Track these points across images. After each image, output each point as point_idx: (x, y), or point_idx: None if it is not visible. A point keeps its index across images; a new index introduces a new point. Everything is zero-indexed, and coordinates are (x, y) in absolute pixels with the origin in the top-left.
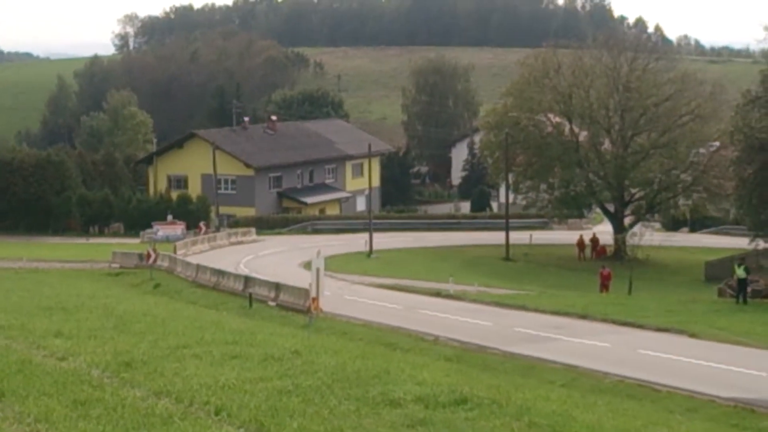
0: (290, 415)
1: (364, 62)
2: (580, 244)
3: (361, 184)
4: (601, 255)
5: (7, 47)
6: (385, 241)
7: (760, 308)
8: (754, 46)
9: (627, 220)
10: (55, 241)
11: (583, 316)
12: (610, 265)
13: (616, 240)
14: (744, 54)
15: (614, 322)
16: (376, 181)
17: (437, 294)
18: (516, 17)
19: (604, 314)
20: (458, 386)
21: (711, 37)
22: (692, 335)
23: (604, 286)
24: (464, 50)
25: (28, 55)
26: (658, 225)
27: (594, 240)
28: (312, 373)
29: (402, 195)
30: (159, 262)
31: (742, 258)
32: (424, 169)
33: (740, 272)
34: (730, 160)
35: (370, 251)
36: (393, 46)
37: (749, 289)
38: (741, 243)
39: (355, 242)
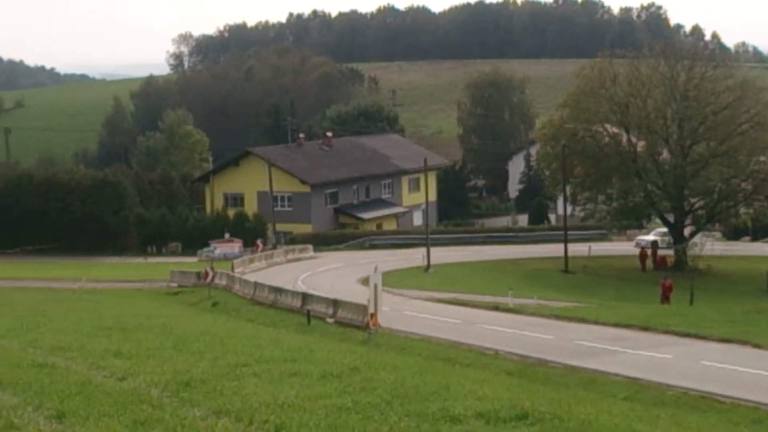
0: None
1: (419, 76)
2: (643, 255)
3: (417, 198)
4: (661, 266)
5: (64, 69)
6: (442, 255)
7: None
8: None
9: (687, 230)
10: (113, 261)
11: (645, 328)
12: (670, 276)
13: (676, 250)
14: None
15: (676, 333)
16: (432, 196)
17: (496, 308)
18: (572, 28)
19: (665, 326)
20: (519, 401)
21: None
22: (756, 345)
23: (666, 298)
24: (520, 62)
25: (84, 76)
26: (718, 234)
27: (654, 251)
28: (371, 389)
29: (459, 209)
30: (217, 281)
31: None
32: (480, 182)
33: None
34: None
35: (428, 266)
36: (448, 60)
37: None
38: None
39: (413, 257)
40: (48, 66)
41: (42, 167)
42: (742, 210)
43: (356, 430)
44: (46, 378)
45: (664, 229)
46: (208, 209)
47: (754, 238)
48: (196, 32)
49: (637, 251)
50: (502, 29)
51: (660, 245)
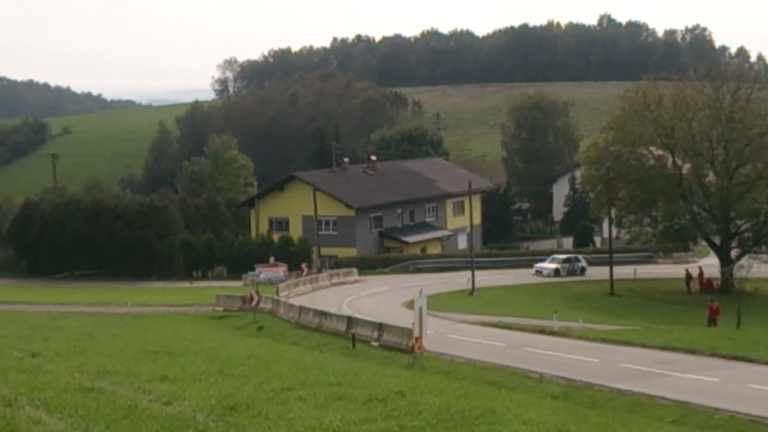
0: None
1: (463, 100)
2: (688, 277)
3: (462, 222)
4: (708, 288)
5: (111, 95)
6: (487, 278)
7: None
8: None
9: (733, 253)
10: (159, 285)
11: (691, 351)
12: (717, 299)
13: (723, 273)
14: None
15: (723, 356)
16: (477, 219)
17: (541, 331)
18: (616, 51)
19: (712, 349)
20: (565, 424)
21: None
22: None
23: (713, 320)
24: (564, 85)
25: (130, 102)
26: (766, 257)
27: (700, 273)
28: (416, 413)
29: (503, 232)
30: (262, 305)
31: None
32: (525, 205)
33: None
34: None
35: (473, 289)
36: (491, 83)
37: None
38: None
39: (457, 280)
40: (95, 92)
41: (89, 193)
42: None
43: None
44: (93, 402)
45: (563, 256)
46: (253, 233)
47: None
48: (241, 58)
49: (683, 274)
50: (546, 52)
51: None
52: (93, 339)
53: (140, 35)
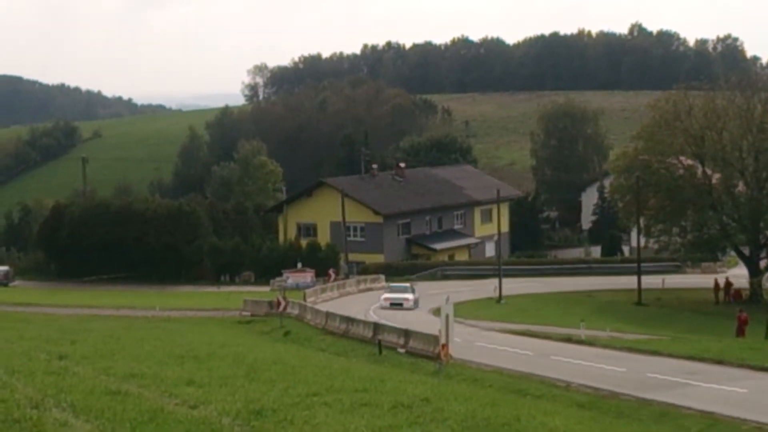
0: None
1: (492, 108)
2: (717, 287)
3: (489, 229)
4: (736, 299)
5: (141, 100)
6: (514, 286)
7: None
8: None
9: (763, 263)
10: (187, 289)
11: (719, 362)
12: (746, 309)
13: (751, 283)
14: None
15: (751, 367)
16: (505, 227)
17: (568, 339)
18: (647, 60)
19: (740, 359)
20: None
21: None
22: None
23: (741, 331)
24: (594, 94)
25: (160, 107)
26: None
27: (727, 283)
28: (442, 420)
29: (531, 240)
30: (289, 310)
31: None
32: (553, 213)
33: None
34: None
35: (500, 297)
36: (521, 91)
37: None
38: None
39: (485, 288)
40: (125, 97)
41: (118, 197)
42: None
43: None
44: (119, 405)
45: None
46: (281, 239)
47: None
48: (272, 63)
49: (711, 284)
50: (576, 60)
51: None
52: (120, 342)
53: (171, 40)
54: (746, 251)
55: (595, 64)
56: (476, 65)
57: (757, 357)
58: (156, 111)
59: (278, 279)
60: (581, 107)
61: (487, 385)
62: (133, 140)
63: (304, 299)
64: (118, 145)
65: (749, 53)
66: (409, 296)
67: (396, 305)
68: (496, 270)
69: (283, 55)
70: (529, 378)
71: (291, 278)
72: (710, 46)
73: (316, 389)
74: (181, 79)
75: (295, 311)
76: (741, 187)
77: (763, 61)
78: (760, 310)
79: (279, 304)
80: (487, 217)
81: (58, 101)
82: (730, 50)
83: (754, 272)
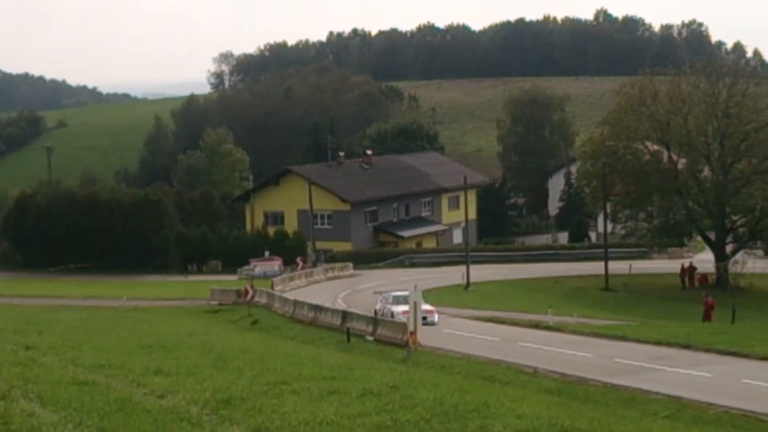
0: None
1: (459, 94)
2: (683, 272)
3: (457, 216)
4: (703, 283)
5: (106, 89)
6: (482, 273)
7: None
8: None
9: (729, 248)
10: (154, 279)
11: (686, 346)
12: (712, 294)
13: (717, 268)
14: None
15: (718, 351)
16: (472, 214)
17: (536, 326)
18: (612, 46)
19: (707, 344)
20: (558, 419)
21: None
22: None
23: (708, 316)
24: (560, 80)
25: (126, 96)
26: (760, 252)
27: (691, 268)
28: (410, 407)
29: (499, 226)
30: (257, 299)
31: None
32: (520, 200)
33: None
34: None
35: (468, 284)
36: (487, 78)
37: None
38: None
39: (452, 275)
40: (90, 85)
41: (84, 186)
42: None
43: None
44: (87, 395)
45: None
46: (249, 227)
47: None
48: (237, 51)
49: (678, 269)
50: (543, 47)
51: None
52: (87, 332)
53: (136, 29)
54: (712, 236)
55: (561, 50)
56: (442, 52)
57: (724, 341)
58: (121, 100)
59: (246, 268)
60: (547, 93)
61: (455, 372)
62: (99, 129)
63: (272, 288)
64: (83, 135)
65: (714, 38)
66: (430, 307)
67: None
68: (464, 257)
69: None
70: (497, 364)
71: (258, 267)
72: (675, 32)
73: (285, 378)
74: (146, 67)
75: (263, 300)
76: (706, 172)
77: (728, 46)
78: (726, 295)
79: (246, 293)
80: (454, 204)
81: (22, 90)
82: (695, 36)
83: (720, 257)
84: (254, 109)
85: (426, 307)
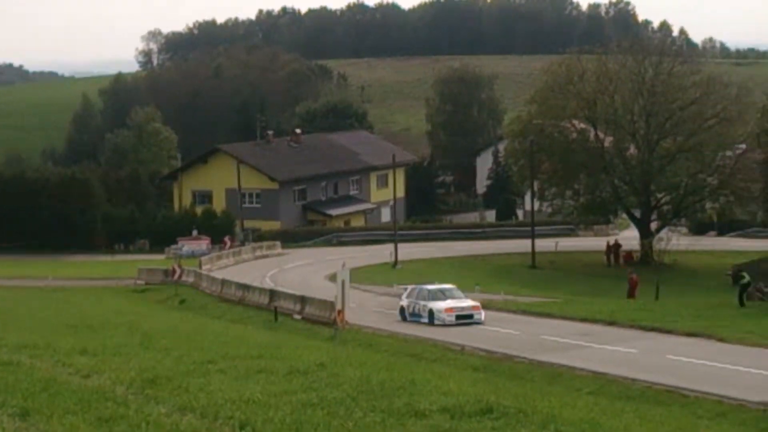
0: (315, 428)
1: (388, 73)
2: (608, 249)
3: (385, 195)
4: (628, 261)
5: (32, 67)
6: (410, 251)
7: None
8: None
9: (653, 225)
10: (80, 258)
11: (611, 323)
12: (637, 271)
13: (642, 245)
14: None
15: (642, 328)
16: (400, 192)
17: None
18: (540, 25)
19: (631, 320)
20: (484, 396)
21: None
22: (720, 339)
23: (633, 292)
24: (489, 58)
25: (52, 74)
26: (684, 229)
27: (616, 245)
28: (337, 385)
29: (427, 205)
30: (184, 278)
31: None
32: (449, 178)
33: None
34: (757, 162)
35: (396, 262)
36: (417, 56)
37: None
38: None
39: (381, 253)
40: (16, 63)
41: (10, 166)
42: (708, 205)
43: (321, 426)
44: (11, 376)
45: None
46: (177, 206)
47: (720, 233)
48: (166, 29)
49: (604, 246)
50: (471, 26)
51: None
52: (12, 313)
53: (63, 5)
54: (637, 214)
55: (490, 29)
56: (372, 30)
57: (648, 317)
58: (48, 78)
59: (173, 247)
60: (476, 72)
61: (383, 350)
62: (25, 108)
63: (200, 267)
64: (8, 113)
65: (641, 18)
66: (476, 303)
67: (463, 318)
68: (392, 235)
69: (177, 20)
70: (424, 342)
71: (186, 246)
72: (603, 11)
73: (211, 356)
74: (74, 45)
75: (191, 279)
76: (632, 150)
77: (655, 25)
78: (651, 272)
79: (174, 272)
80: (383, 183)
81: None
82: (622, 15)
83: (645, 234)
84: (183, 88)
85: (469, 302)
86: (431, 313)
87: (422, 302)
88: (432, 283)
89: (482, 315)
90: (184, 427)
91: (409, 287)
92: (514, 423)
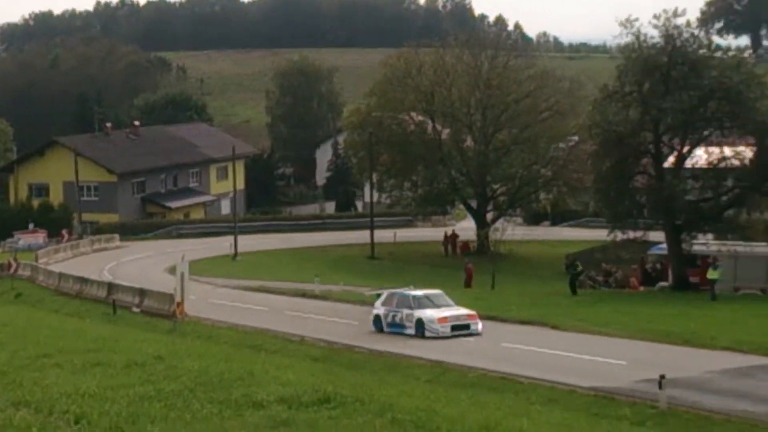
0: (151, 420)
1: (228, 65)
2: (446, 240)
3: (225, 187)
4: (464, 251)
5: None
6: (250, 243)
7: (619, 298)
8: (611, 42)
9: (490, 216)
10: None
11: None
12: (474, 261)
13: (479, 235)
14: (601, 50)
15: (479, 317)
16: (240, 184)
17: (303, 294)
18: (379, 18)
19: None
20: (322, 386)
21: (569, 34)
22: (554, 327)
23: (469, 282)
24: (329, 51)
25: None
26: (519, 220)
27: (453, 235)
28: (175, 377)
29: (267, 197)
30: (20, 272)
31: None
32: (288, 170)
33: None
34: (589, 154)
35: (235, 254)
36: (257, 49)
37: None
38: (600, 235)
39: (220, 245)
40: None
41: None
42: (542, 196)
43: (158, 419)
44: None
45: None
46: (12, 200)
47: (553, 223)
48: (0, 20)
49: (441, 237)
50: (311, 19)
51: None
52: None
53: None
54: (474, 205)
55: (330, 22)
56: (211, 23)
57: (484, 306)
58: None
59: (9, 240)
60: (316, 65)
61: (222, 342)
62: None
63: (36, 260)
64: None
65: (477, 12)
66: (471, 311)
67: (459, 329)
68: (232, 227)
69: (12, 11)
70: (264, 333)
71: (22, 239)
72: (440, 5)
73: (47, 350)
74: None
75: (27, 273)
76: (469, 142)
77: (491, 19)
78: (487, 262)
79: (10, 266)
80: (222, 175)
81: None
82: (459, 9)
83: (482, 225)
84: (18, 79)
85: (464, 311)
86: (420, 323)
87: (406, 311)
88: (410, 288)
89: (479, 325)
90: (17, 422)
91: (385, 292)
92: (351, 412)
